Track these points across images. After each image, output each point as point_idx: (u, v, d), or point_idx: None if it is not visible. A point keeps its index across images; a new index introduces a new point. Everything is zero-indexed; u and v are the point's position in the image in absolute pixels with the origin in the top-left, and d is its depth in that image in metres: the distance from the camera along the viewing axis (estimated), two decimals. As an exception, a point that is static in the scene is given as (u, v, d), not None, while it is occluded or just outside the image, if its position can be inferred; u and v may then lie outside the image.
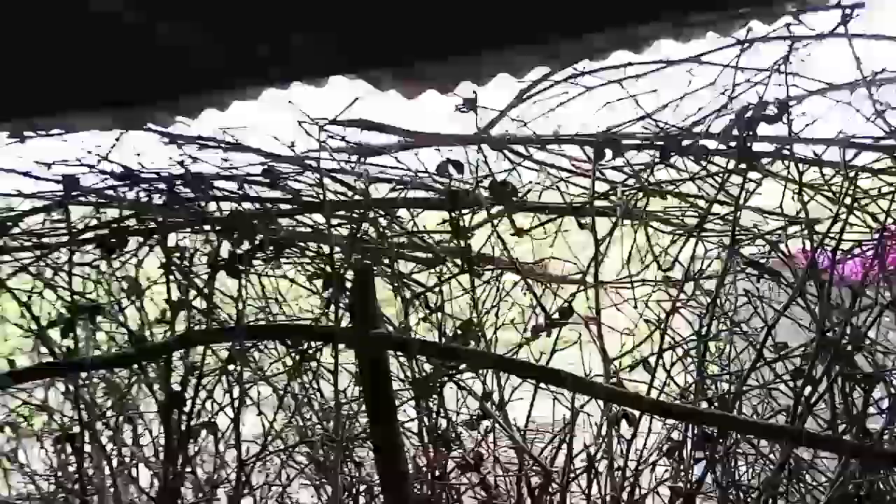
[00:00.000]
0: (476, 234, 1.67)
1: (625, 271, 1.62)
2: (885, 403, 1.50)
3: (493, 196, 1.60)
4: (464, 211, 1.62)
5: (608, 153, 1.59)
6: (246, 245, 1.61)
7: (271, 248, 1.60)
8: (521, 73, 1.82)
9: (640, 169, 1.57)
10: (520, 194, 1.64)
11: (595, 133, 1.61)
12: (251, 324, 1.61)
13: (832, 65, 1.52)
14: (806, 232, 1.41)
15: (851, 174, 1.39)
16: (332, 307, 1.55)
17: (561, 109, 1.66)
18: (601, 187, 1.62)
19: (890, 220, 1.40)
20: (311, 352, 1.59)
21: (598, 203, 1.61)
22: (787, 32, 1.43)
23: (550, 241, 1.71)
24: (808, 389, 1.37)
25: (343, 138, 1.73)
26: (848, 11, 1.37)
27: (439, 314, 1.63)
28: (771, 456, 1.45)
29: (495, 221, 1.62)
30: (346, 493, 1.62)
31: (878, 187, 1.44)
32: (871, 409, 1.36)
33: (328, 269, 1.56)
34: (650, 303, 1.58)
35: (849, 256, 1.47)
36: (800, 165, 1.42)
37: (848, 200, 1.40)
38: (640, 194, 1.58)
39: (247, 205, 1.67)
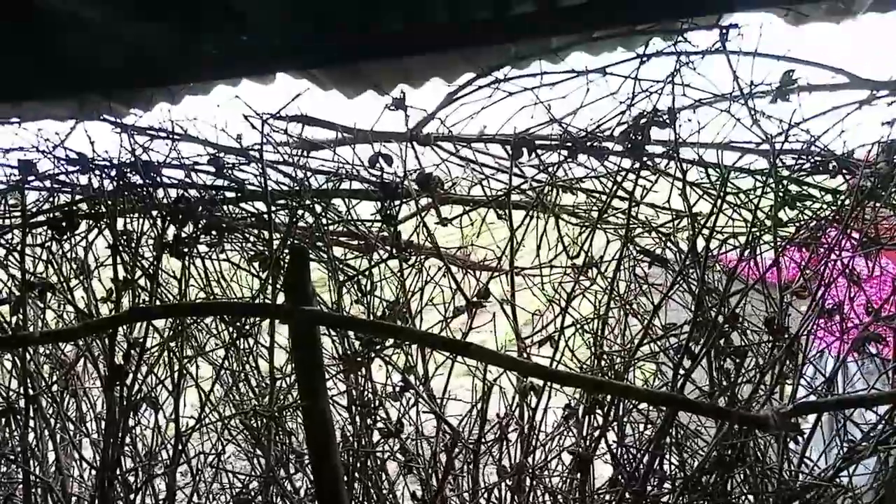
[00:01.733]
0: (405, 224, 1.83)
1: (537, 259, 1.79)
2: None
3: (420, 188, 1.76)
4: (394, 202, 1.78)
5: (524, 152, 1.77)
6: (190, 229, 1.74)
7: (214, 232, 1.73)
8: (452, 78, 2.01)
9: (552, 166, 1.75)
10: (446, 187, 1.81)
11: (513, 134, 1.79)
12: (192, 302, 1.73)
13: (718, 78, 1.73)
14: (689, 224, 1.61)
15: (727, 174, 1.59)
16: (269, 287, 1.69)
17: (485, 112, 1.84)
18: (518, 182, 1.81)
19: (760, 214, 1.61)
20: (248, 328, 1.72)
21: (514, 196, 1.79)
22: (677, 49, 1.64)
23: (476, 231, 1.89)
24: (687, 363, 1.55)
25: (286, 132, 1.88)
26: (724, 31, 1.59)
27: (370, 296, 1.78)
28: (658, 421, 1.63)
29: (423, 212, 1.79)
30: (278, 463, 1.75)
31: (753, 186, 1.65)
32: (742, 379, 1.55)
33: (267, 252, 1.70)
34: (558, 287, 1.75)
35: (730, 248, 1.68)
36: (684, 165, 1.61)
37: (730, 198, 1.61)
38: (552, 189, 1.76)
39: (193, 192, 1.79)
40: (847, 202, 1.61)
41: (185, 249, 1.74)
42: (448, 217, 1.81)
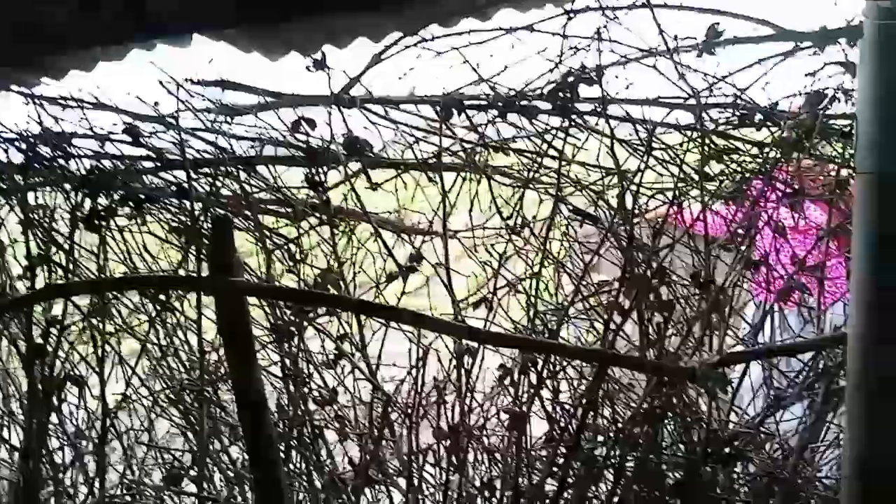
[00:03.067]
0: (335, 190, 1.78)
1: (470, 221, 1.78)
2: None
3: (348, 152, 1.71)
4: (322, 167, 1.73)
5: (454, 112, 1.73)
6: (105, 201, 1.66)
7: (131, 203, 1.66)
8: (378, 38, 1.95)
9: (482, 126, 1.72)
10: (375, 151, 1.77)
11: (442, 94, 1.75)
12: (111, 277, 1.67)
13: (646, 33, 1.71)
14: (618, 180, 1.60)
15: (653, 130, 1.59)
16: (193, 259, 1.64)
17: (413, 72, 1.79)
18: (449, 144, 1.77)
19: (687, 169, 1.61)
20: (171, 302, 1.67)
21: (445, 158, 1.76)
22: (602, 5, 1.61)
23: (409, 195, 1.85)
24: (617, 318, 1.56)
25: (206, 98, 1.81)
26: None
27: (301, 265, 1.74)
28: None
29: (352, 177, 1.75)
30: (210, 436, 1.71)
31: (681, 141, 1.65)
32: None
33: (188, 222, 1.64)
34: (492, 249, 1.74)
35: (658, 204, 1.68)
36: (612, 122, 1.60)
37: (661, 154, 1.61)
38: (483, 150, 1.74)
39: (108, 163, 1.71)
40: (772, 154, 1.62)
41: (102, 222, 1.67)
42: (378, 182, 1.77)
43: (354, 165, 1.78)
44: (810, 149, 1.63)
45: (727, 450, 1.58)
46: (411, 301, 1.71)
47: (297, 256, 1.73)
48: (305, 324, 1.70)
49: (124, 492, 1.72)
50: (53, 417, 1.74)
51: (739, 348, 1.73)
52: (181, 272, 1.64)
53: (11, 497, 1.80)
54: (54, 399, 1.69)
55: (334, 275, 1.70)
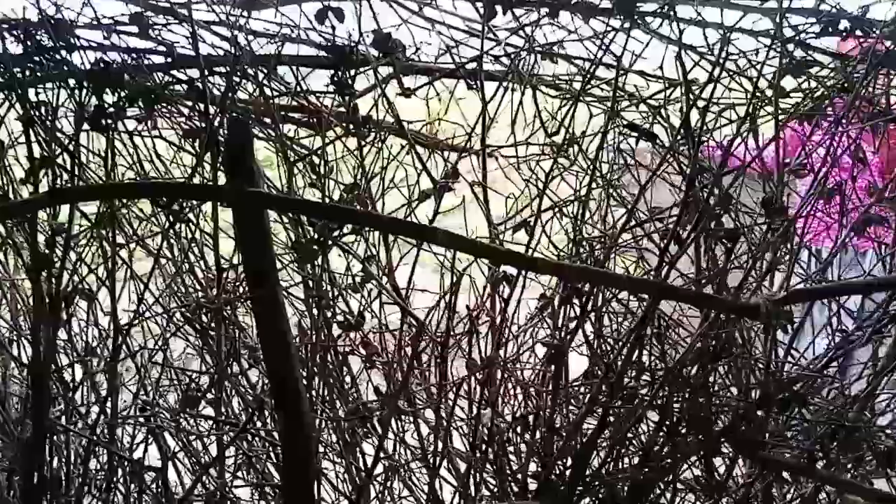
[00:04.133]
0: (363, 97, 1.61)
1: (512, 136, 1.61)
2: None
3: (379, 52, 1.53)
4: (349, 69, 1.56)
5: (498, 10, 1.54)
6: (114, 100, 1.51)
7: (141, 102, 1.50)
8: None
9: (529, 27, 1.53)
10: (408, 53, 1.59)
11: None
12: (119, 182, 1.53)
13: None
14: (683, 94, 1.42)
15: (728, 36, 1.39)
16: (208, 167, 1.49)
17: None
18: (490, 47, 1.59)
19: (763, 82, 1.42)
20: (186, 213, 1.53)
21: (487, 65, 1.58)
22: None
23: (444, 105, 1.68)
24: (674, 248, 1.41)
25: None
26: None
27: (325, 179, 1.59)
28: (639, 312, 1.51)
29: (383, 83, 1.57)
30: (229, 358, 1.61)
31: (755, 49, 1.45)
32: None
33: (203, 125, 1.49)
34: (535, 168, 1.58)
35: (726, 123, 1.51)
36: (681, 25, 1.41)
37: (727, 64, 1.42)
38: (529, 55, 1.55)
39: (114, 56, 1.55)
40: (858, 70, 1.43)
41: (109, 122, 1.52)
42: (411, 88, 1.59)
43: (383, 68, 1.60)
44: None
45: (785, 394, 1.45)
46: (445, 221, 1.57)
47: (322, 170, 1.58)
48: (329, 242, 1.56)
49: (138, 413, 1.64)
50: (63, 333, 1.65)
51: (802, 286, 1.58)
52: (196, 180, 1.50)
53: (21, 413, 1.73)
54: (62, 314, 1.58)
55: (362, 191, 1.56)
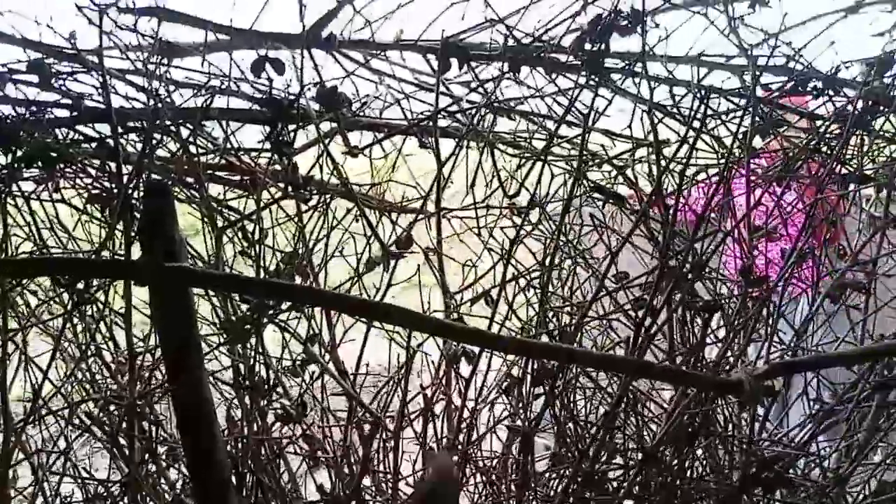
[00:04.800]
0: (304, 154, 1.45)
1: (469, 198, 1.47)
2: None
3: (322, 106, 1.37)
4: (288, 125, 1.39)
5: (453, 63, 1.41)
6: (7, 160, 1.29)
7: (40, 162, 1.28)
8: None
9: (488, 83, 1.41)
10: (354, 108, 1.44)
11: (440, 39, 1.42)
12: (13, 257, 1.30)
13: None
14: (655, 153, 1.32)
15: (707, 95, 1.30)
16: (121, 236, 1.28)
17: (404, 10, 1.45)
18: (446, 103, 1.46)
19: (736, 145, 1.34)
20: (92, 291, 1.31)
21: (441, 121, 1.44)
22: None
23: (390, 163, 1.53)
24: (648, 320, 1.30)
25: (138, 31, 1.43)
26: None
27: (259, 246, 1.40)
28: (610, 389, 1.38)
29: (326, 139, 1.41)
30: (144, 457, 1.38)
31: (726, 109, 1.38)
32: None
33: (115, 189, 1.28)
34: (495, 231, 1.45)
35: (694, 182, 1.43)
36: (651, 83, 1.31)
37: (696, 124, 1.33)
38: (487, 112, 1.42)
39: (10, 109, 1.33)
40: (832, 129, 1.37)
41: (2, 185, 1.29)
42: (358, 146, 1.44)
43: (326, 124, 1.44)
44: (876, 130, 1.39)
45: (768, 475, 1.35)
46: (398, 293, 1.41)
47: (255, 236, 1.39)
48: (265, 321, 1.37)
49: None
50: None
51: (776, 357, 1.49)
52: (105, 254, 1.28)
53: None
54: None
55: (302, 262, 1.38)
